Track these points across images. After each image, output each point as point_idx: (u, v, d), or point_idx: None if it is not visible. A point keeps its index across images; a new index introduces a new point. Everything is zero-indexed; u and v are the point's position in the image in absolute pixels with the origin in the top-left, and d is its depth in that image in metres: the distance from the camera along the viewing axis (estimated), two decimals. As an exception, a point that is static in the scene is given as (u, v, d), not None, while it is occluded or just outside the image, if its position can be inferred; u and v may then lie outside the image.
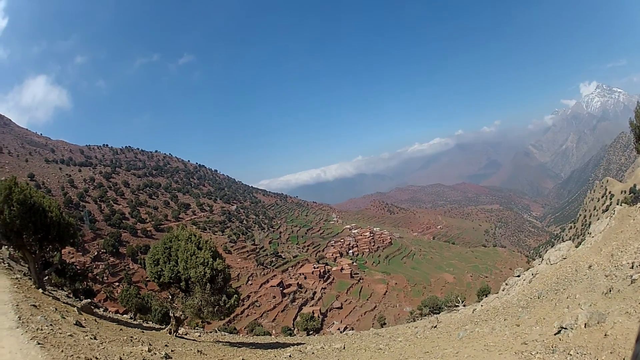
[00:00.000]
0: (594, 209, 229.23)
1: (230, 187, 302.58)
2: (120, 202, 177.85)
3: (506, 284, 33.51)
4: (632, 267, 16.81)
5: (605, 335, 10.74)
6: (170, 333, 24.17)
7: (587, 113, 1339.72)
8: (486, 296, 40.69)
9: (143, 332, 23.27)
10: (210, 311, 21.97)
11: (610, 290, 14.73)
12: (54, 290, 35.15)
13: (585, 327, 11.58)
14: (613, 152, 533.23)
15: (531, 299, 21.29)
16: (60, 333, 14.18)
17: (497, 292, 34.29)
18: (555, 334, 12.35)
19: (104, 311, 36.89)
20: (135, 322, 33.14)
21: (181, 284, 22.36)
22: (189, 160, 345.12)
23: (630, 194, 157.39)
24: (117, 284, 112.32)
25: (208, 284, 21.64)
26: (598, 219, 31.18)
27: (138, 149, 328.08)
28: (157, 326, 33.61)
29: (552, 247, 34.82)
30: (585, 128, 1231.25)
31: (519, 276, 32.32)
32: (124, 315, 42.66)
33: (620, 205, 28.98)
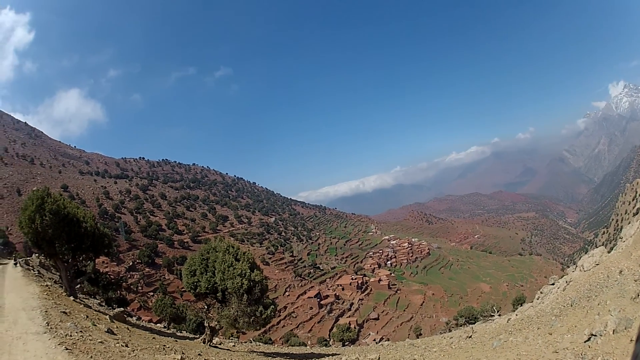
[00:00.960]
0: (625, 213, 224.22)
1: (268, 199, 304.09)
2: (157, 213, 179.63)
3: (541, 292, 33.11)
4: None
5: (631, 340, 10.66)
6: (204, 342, 24.44)
7: (617, 114, 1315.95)
8: (521, 305, 40.20)
9: (176, 341, 23.62)
10: (246, 322, 22.07)
11: (638, 295, 14.53)
12: (86, 299, 35.87)
13: (613, 333, 11.50)
14: None
15: (564, 306, 21.01)
16: (90, 340, 14.51)
17: (532, 301, 33.89)
18: (585, 342, 12.28)
19: (137, 320, 37.58)
20: (168, 331, 33.67)
21: (217, 294, 22.55)
22: (227, 173, 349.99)
23: None
24: (151, 293, 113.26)
25: (245, 294, 21.77)
26: (629, 223, 30.65)
27: (175, 161, 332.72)
28: (191, 335, 34.03)
29: (585, 253, 34.32)
30: (615, 130, 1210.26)
31: (553, 284, 31.89)
32: (158, 325, 43.24)
33: (652, 207, 28.57)
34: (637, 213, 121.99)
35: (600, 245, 37.43)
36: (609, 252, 27.30)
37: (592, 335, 12.22)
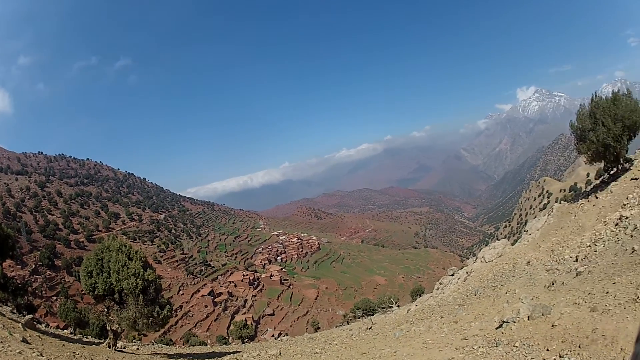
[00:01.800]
0: (530, 208, 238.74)
1: (158, 195, 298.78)
2: (54, 212, 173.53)
3: (440, 283, 34.04)
4: (576, 261, 17.40)
5: (553, 325, 10.93)
6: (109, 347, 23.63)
7: (524, 117, 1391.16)
8: (420, 296, 41.33)
9: (84, 347, 22.69)
10: (145, 323, 21.63)
11: (553, 284, 15.11)
12: (0, 306, 34.03)
13: (528, 319, 11.77)
14: (551, 153, 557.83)
15: (467, 296, 21.71)
16: (10, 351, 13.96)
17: (432, 292, 34.77)
18: (496, 328, 12.51)
19: (45, 327, 35.89)
20: (75, 337, 32.37)
21: (115, 296, 21.88)
22: (118, 169, 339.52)
23: (570, 192, 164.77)
24: (55, 298, 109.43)
25: (141, 295, 21.30)
26: (535, 217, 32.12)
27: (71, 156, 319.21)
28: (97, 340, 32.82)
29: (486, 245, 35.61)
30: (520, 131, 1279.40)
31: (453, 275, 32.86)
32: (65, 331, 41.40)
33: (560, 203, 30.01)
34: (544, 208, 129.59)
35: (502, 238, 39.05)
36: (512, 244, 28.45)
37: (504, 322, 12.47)
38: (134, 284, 20.89)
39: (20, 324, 22.73)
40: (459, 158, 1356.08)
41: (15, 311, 37.93)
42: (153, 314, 21.56)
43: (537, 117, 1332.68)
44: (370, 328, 25.83)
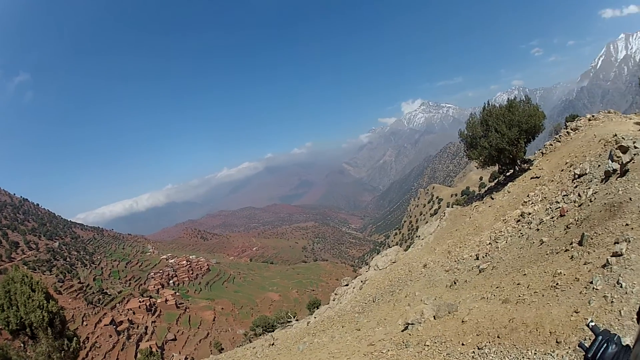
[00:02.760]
0: (420, 214, 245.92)
1: (51, 222, 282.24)
2: None
3: (336, 294, 34.22)
4: (477, 259, 18.10)
5: (463, 321, 11.20)
6: None
7: (409, 128, 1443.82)
8: (317, 308, 41.38)
9: None
10: (59, 357, 20.71)
11: (455, 283, 15.60)
12: None
13: (434, 318, 12.02)
14: (439, 162, 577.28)
15: (366, 303, 21.96)
16: None
17: (328, 303, 34.94)
18: (402, 331, 12.69)
19: None
20: None
21: (27, 330, 20.86)
22: (14, 193, 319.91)
23: (462, 195, 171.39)
24: None
25: (49, 328, 20.53)
26: (426, 222, 33.11)
27: None
28: None
29: (377, 254, 36.29)
30: (405, 142, 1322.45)
31: (347, 285, 33.16)
32: None
33: (452, 207, 31.11)
34: (435, 213, 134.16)
35: (394, 245, 40.01)
36: (405, 250, 29.14)
37: (409, 324, 12.67)
38: (41, 316, 20.30)
39: None
40: (342, 172, 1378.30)
41: None
42: (64, 347, 20.95)
43: (423, 129, 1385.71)
44: (272, 344, 25.60)
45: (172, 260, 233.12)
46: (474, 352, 9.70)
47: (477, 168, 30.18)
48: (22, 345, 22.45)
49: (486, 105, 27.27)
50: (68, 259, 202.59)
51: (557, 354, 8.15)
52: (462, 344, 10.17)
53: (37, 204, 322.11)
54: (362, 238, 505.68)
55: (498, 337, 9.76)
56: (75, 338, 22.05)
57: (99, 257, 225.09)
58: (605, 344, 2.49)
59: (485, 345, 9.68)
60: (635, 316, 4.27)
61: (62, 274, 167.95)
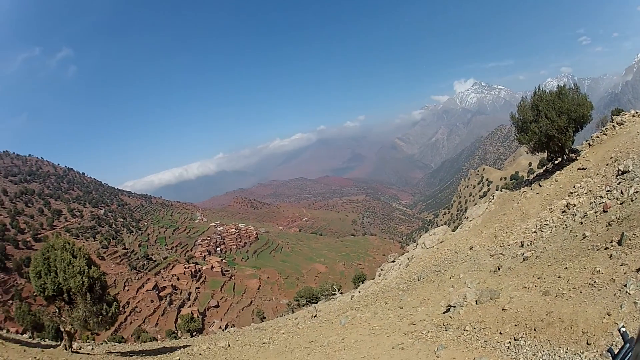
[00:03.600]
0: (470, 195, 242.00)
1: (97, 190, 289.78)
2: (0, 212, 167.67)
3: (382, 270, 34.23)
4: (522, 246, 17.72)
5: (503, 309, 11.08)
6: (65, 349, 22.82)
7: (461, 108, 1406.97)
8: (362, 282, 41.44)
9: (43, 350, 22.00)
10: (95, 322, 20.76)
11: (499, 268, 15.35)
12: None
13: (476, 303, 11.89)
14: (490, 143, 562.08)
15: (411, 281, 21.91)
16: None
17: (374, 278, 34.94)
18: (444, 313, 12.63)
19: (6, 332, 34.64)
20: (34, 342, 31.35)
21: (64, 296, 20.90)
22: (58, 164, 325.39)
23: (511, 180, 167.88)
24: (10, 302, 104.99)
25: (88, 293, 20.54)
26: (475, 204, 32.63)
27: (14, 153, 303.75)
28: (54, 343, 31.80)
29: (426, 232, 36.05)
30: (457, 121, 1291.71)
31: (394, 261, 33.12)
32: (24, 335, 40.32)
33: (500, 190, 30.53)
34: (484, 196, 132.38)
35: (442, 225, 39.62)
36: (453, 230, 28.85)
37: (451, 306, 12.59)
38: (80, 282, 20.21)
39: None
40: (394, 147, 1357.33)
41: None
42: (102, 312, 20.93)
43: (475, 109, 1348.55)
44: (315, 316, 25.79)
45: (221, 228, 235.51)
46: (510, 342, 9.60)
47: (527, 153, 29.38)
48: (57, 310, 23.09)
49: (537, 90, 26.43)
50: (113, 226, 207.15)
51: (586, 356, 8.03)
52: (500, 333, 10.06)
53: (83, 173, 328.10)
54: (411, 215, 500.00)
55: (534, 329, 9.63)
56: (114, 303, 22.30)
57: (145, 223, 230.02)
58: (631, 353, 2.46)
59: (521, 337, 9.58)
60: None
61: (106, 241, 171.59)
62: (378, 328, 14.50)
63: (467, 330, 10.67)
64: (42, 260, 21.31)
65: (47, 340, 36.47)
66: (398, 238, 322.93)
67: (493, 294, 11.84)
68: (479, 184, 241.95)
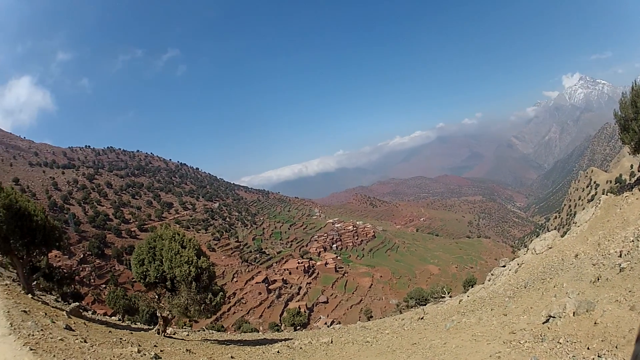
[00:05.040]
0: (579, 199, 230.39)
1: (212, 184, 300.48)
2: (103, 203, 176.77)
3: (492, 274, 33.58)
4: (620, 256, 16.82)
5: (595, 323, 10.74)
6: (158, 333, 23.99)
7: (570, 104, 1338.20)
8: (472, 287, 40.77)
9: (132, 333, 22.95)
10: (197, 310, 21.85)
11: (598, 279, 14.75)
12: (43, 295, 34.52)
13: (573, 315, 11.61)
14: (597, 143, 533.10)
15: (517, 288, 21.34)
16: (51, 338, 13.97)
17: (483, 283, 34.36)
18: (543, 323, 12.37)
19: (92, 314, 36.25)
20: (123, 324, 32.70)
21: (167, 283, 22.22)
22: (170, 159, 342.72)
23: (615, 183, 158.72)
24: (103, 286, 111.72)
25: (193, 282, 21.56)
26: (583, 209, 31.24)
27: (120, 149, 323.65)
28: (145, 327, 33.23)
29: (537, 236, 34.94)
30: (568, 119, 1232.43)
31: (504, 266, 32.38)
32: (112, 317, 42.21)
33: (606, 194, 29.08)
34: (592, 199, 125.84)
35: (552, 230, 38.32)
36: (562, 236, 27.84)
37: (551, 317, 12.31)
38: (187, 271, 21.30)
39: (64, 312, 22.85)
40: (510, 146, 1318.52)
41: (60, 300, 38.89)
42: (205, 300, 21.93)
43: (582, 105, 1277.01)
44: (422, 318, 25.71)
45: (338, 225, 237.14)
46: (593, 359, 9.35)
47: (629, 154, 27.66)
48: (156, 296, 24.11)
49: (634, 85, 24.69)
50: (227, 219, 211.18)
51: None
52: (588, 348, 9.71)
53: (197, 168, 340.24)
54: (524, 218, 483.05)
55: (616, 347, 9.23)
56: (220, 293, 23.16)
57: (261, 218, 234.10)
58: None
59: (604, 354, 9.16)
60: None
61: (218, 233, 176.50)
62: (480, 334, 14.33)
63: (560, 343, 10.41)
64: (147, 248, 22.62)
65: (138, 323, 38.34)
66: (510, 242, 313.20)
67: (589, 306, 11.49)
68: (587, 186, 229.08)
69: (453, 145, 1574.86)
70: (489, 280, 32.78)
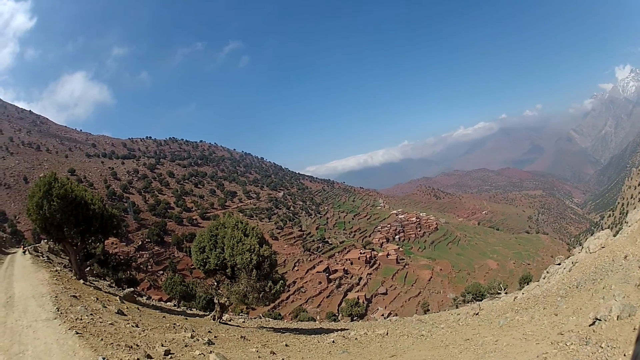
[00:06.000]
0: (631, 197, 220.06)
1: (276, 174, 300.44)
2: (165, 192, 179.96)
3: (547, 272, 33.01)
4: None
5: (634, 329, 10.59)
6: (214, 319, 24.51)
7: (624, 98, 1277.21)
8: (527, 284, 40.06)
9: (186, 319, 23.63)
10: (255, 297, 22.05)
11: (642, 282, 14.40)
12: (96, 281, 35.42)
13: (617, 319, 11.44)
14: None
15: (570, 288, 20.88)
16: (100, 322, 14.37)
17: (538, 280, 33.79)
18: (590, 325, 12.22)
19: (147, 299, 37.37)
20: (179, 310, 33.64)
21: (227, 270, 22.57)
22: (234, 149, 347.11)
23: None
24: (161, 272, 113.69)
25: (254, 270, 21.71)
26: (634, 208, 30.25)
27: (182, 139, 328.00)
28: (201, 313, 33.99)
29: (591, 235, 34.07)
30: (622, 113, 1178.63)
31: (559, 264, 31.76)
32: (168, 303, 43.41)
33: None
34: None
35: (606, 228, 37.16)
36: (614, 235, 27.03)
37: (597, 319, 12.15)
38: (248, 259, 21.39)
39: (118, 297, 23.88)
40: (569, 140, 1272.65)
41: (113, 285, 40.01)
42: (265, 288, 22.05)
43: (635, 99, 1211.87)
44: (477, 314, 25.44)
45: (402, 216, 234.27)
46: None
47: None
48: (215, 283, 24.47)
49: None
50: (291, 209, 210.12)
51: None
52: (624, 355, 9.57)
53: (262, 158, 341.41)
54: (581, 215, 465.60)
55: None
56: (281, 281, 23.42)
57: (326, 207, 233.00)
58: None
59: None
60: None
61: (282, 222, 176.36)
62: (531, 334, 14.22)
63: (602, 347, 10.23)
64: (208, 236, 23.09)
65: (194, 310, 38.89)
66: (567, 239, 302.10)
67: (632, 310, 11.26)
68: (639, 184, 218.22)
69: (515, 138, 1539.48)
70: (543, 278, 32.26)
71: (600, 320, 12.05)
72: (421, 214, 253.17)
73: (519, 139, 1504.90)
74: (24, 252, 38.61)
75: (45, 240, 50.11)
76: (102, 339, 11.99)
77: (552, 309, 17.42)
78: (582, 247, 29.13)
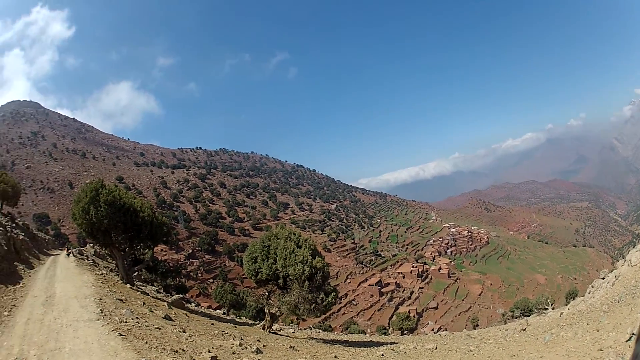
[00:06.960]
0: None
1: (329, 186, 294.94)
2: (216, 202, 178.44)
3: (592, 287, 32.18)
4: None
5: None
6: (263, 329, 24.49)
7: None
8: (574, 299, 39.17)
9: (235, 327, 23.66)
10: (307, 308, 21.90)
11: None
12: (144, 286, 35.28)
13: (648, 335, 11.44)
14: None
15: (612, 302, 20.42)
16: (146, 326, 14.39)
17: (584, 295, 33.08)
18: (626, 341, 12.24)
19: (195, 306, 37.33)
20: (228, 318, 33.57)
21: (279, 281, 22.55)
22: (286, 161, 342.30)
23: None
24: (211, 280, 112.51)
25: (306, 281, 21.58)
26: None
27: (233, 150, 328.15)
28: (251, 322, 33.86)
29: (633, 247, 33.27)
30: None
31: (604, 278, 30.98)
32: (217, 311, 43.18)
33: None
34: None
35: (647, 241, 36.16)
36: (655, 247, 26.48)
37: (633, 334, 12.18)
38: (301, 270, 21.30)
39: (165, 303, 23.91)
40: (612, 149, 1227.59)
41: (161, 291, 40.02)
42: (317, 300, 21.81)
43: None
44: (524, 330, 25.05)
45: (454, 230, 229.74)
46: None
47: None
48: (266, 293, 24.52)
49: None
50: (344, 221, 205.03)
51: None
52: None
53: (314, 170, 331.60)
54: (624, 226, 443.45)
55: None
56: (333, 293, 22.96)
57: (378, 220, 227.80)
58: None
59: None
60: None
61: (335, 234, 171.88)
62: (573, 350, 14.08)
63: None
64: (261, 247, 23.10)
65: (243, 318, 38.55)
66: (611, 252, 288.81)
67: None
68: None
69: (561, 148, 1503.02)
70: (589, 293, 31.45)
71: (635, 336, 12.04)
72: (472, 228, 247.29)
73: (565, 149, 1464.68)
74: (68, 255, 38.34)
75: (91, 244, 49.41)
76: (146, 342, 11.98)
77: (595, 325, 17.23)
78: (625, 260, 28.45)
